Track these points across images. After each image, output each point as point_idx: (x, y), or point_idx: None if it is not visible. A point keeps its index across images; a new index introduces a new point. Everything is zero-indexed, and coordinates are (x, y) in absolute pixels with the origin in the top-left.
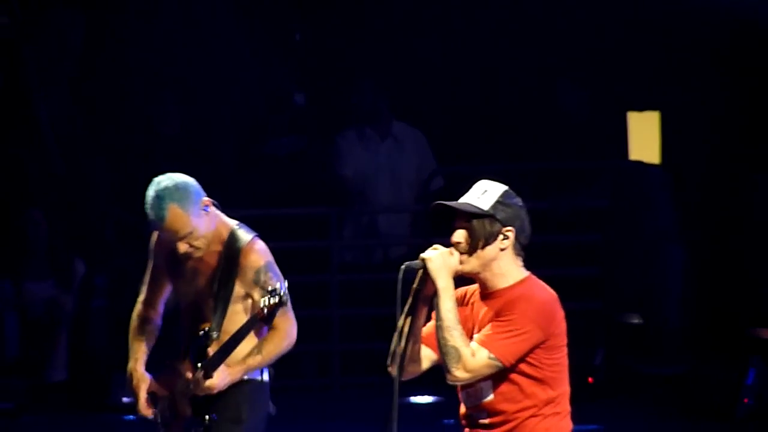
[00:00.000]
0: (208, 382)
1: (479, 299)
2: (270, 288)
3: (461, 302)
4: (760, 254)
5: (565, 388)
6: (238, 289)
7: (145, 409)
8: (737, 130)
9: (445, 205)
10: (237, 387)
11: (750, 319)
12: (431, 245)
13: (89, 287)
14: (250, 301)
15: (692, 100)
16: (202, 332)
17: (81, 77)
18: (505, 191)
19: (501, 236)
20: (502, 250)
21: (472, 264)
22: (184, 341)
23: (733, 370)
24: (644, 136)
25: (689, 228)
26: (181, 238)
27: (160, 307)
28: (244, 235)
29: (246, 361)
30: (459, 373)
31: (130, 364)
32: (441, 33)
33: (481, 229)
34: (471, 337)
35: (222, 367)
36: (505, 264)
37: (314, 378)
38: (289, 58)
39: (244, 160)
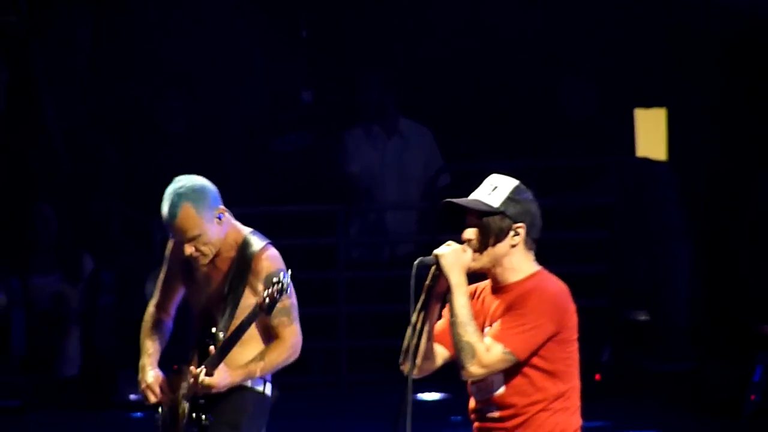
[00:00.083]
0: (208, 380)
1: (490, 293)
2: (274, 280)
3: (472, 297)
4: (767, 251)
5: (575, 383)
6: (248, 295)
7: (153, 397)
8: (744, 127)
9: (456, 202)
10: (237, 393)
11: (757, 316)
12: (438, 242)
13: (96, 284)
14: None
15: (699, 97)
16: (209, 335)
17: (89, 74)
18: (516, 186)
19: (512, 233)
20: (513, 246)
21: (483, 261)
22: (193, 346)
23: (740, 367)
24: (651, 133)
25: (696, 225)
26: (189, 240)
27: (172, 311)
28: (257, 242)
29: (248, 366)
30: (474, 369)
31: (142, 360)
32: (448, 30)
33: (491, 226)
34: (482, 332)
35: (222, 367)
36: (516, 259)
37: (321, 375)
38: (296, 55)
39: (251, 158)
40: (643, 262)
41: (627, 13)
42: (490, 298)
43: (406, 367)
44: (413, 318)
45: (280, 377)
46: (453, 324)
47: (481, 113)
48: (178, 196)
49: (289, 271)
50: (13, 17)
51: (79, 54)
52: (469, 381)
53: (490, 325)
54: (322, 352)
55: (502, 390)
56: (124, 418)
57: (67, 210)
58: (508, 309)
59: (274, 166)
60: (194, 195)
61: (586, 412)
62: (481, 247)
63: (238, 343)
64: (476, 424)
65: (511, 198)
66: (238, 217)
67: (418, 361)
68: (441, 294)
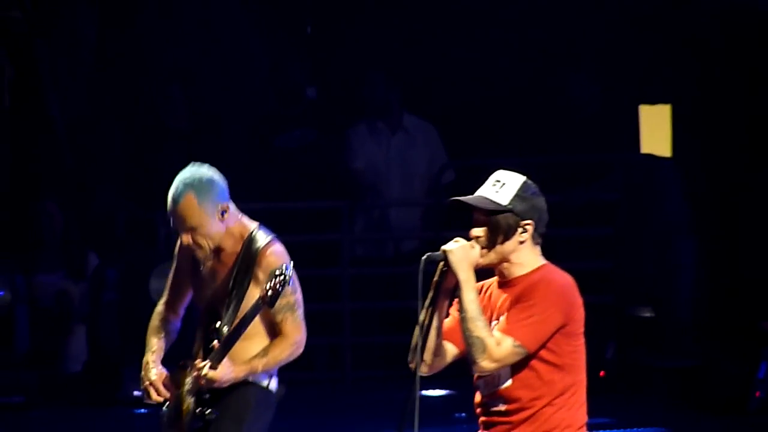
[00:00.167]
0: (211, 374)
1: (497, 288)
2: (277, 272)
3: (478, 293)
4: None
5: (582, 378)
6: (254, 290)
7: (155, 395)
8: (748, 123)
9: (464, 201)
10: (242, 388)
11: (761, 312)
12: (443, 238)
13: (100, 281)
14: None
15: (704, 94)
16: (213, 330)
17: (93, 70)
18: (524, 183)
19: (520, 229)
20: (521, 242)
21: (491, 257)
22: (197, 341)
23: (744, 364)
24: (656, 130)
25: (700, 221)
26: (187, 229)
27: (181, 311)
28: (263, 237)
29: (251, 362)
30: (485, 364)
31: (146, 357)
32: (452, 26)
33: (500, 224)
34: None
35: (226, 361)
36: (524, 254)
37: (325, 372)
38: (301, 52)
39: (255, 154)
40: (647, 259)
41: (631, 9)
42: (497, 293)
43: (419, 367)
44: (422, 315)
45: (284, 373)
46: (463, 319)
47: (486, 109)
48: (184, 185)
49: (292, 263)
50: (17, 13)
51: (84, 50)
52: (476, 375)
53: (497, 320)
54: (326, 348)
55: (508, 383)
56: (128, 415)
57: (71, 206)
58: (516, 302)
59: (278, 162)
60: (200, 186)
61: (590, 408)
62: (489, 245)
63: (243, 338)
64: (482, 418)
65: (519, 195)
66: None
67: (429, 358)
68: (449, 290)
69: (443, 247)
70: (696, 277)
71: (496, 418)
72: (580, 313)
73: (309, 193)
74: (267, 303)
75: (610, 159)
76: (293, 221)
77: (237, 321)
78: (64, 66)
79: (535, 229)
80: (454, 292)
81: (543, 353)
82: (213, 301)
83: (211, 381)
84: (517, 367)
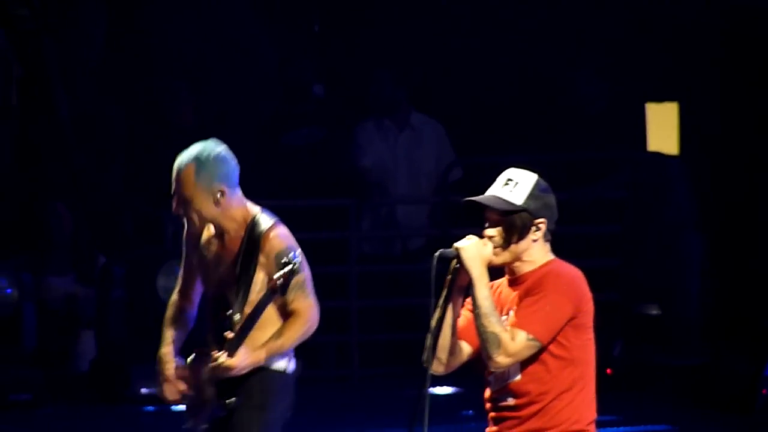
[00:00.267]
0: (228, 362)
1: (507, 286)
2: (284, 261)
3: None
4: None
5: (591, 372)
6: (260, 274)
7: (171, 393)
8: (756, 121)
9: (478, 201)
10: (261, 374)
11: None
12: (450, 236)
13: (108, 278)
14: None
15: (711, 92)
16: (224, 317)
17: (100, 68)
18: (536, 182)
19: (534, 228)
20: (534, 241)
21: (505, 257)
22: (209, 329)
23: (751, 362)
24: (663, 128)
25: (707, 219)
26: (181, 200)
27: (195, 299)
28: (266, 220)
29: (267, 344)
30: (501, 359)
31: (161, 350)
32: (459, 24)
33: (515, 224)
34: None
35: (243, 349)
36: (535, 251)
37: (333, 369)
38: (308, 50)
39: (262, 151)
40: (654, 257)
41: (639, 7)
42: (507, 290)
43: (433, 366)
44: (436, 313)
45: (298, 373)
46: (476, 316)
47: (493, 107)
48: (191, 156)
49: (299, 250)
50: (24, 11)
51: (92, 48)
52: (488, 371)
53: (507, 315)
54: (333, 346)
55: (518, 378)
56: (136, 412)
57: (80, 206)
58: (525, 295)
59: (286, 160)
60: (204, 162)
61: (597, 405)
62: (504, 244)
63: (256, 327)
64: (491, 413)
65: (533, 194)
66: None
67: (444, 357)
68: (462, 288)
69: (456, 245)
70: (703, 275)
71: (505, 413)
72: (589, 306)
73: (316, 190)
74: (278, 292)
75: (617, 157)
76: (301, 219)
77: (248, 309)
78: (72, 64)
79: (547, 227)
80: (467, 289)
81: (552, 347)
82: (220, 287)
83: (229, 369)
84: (526, 362)
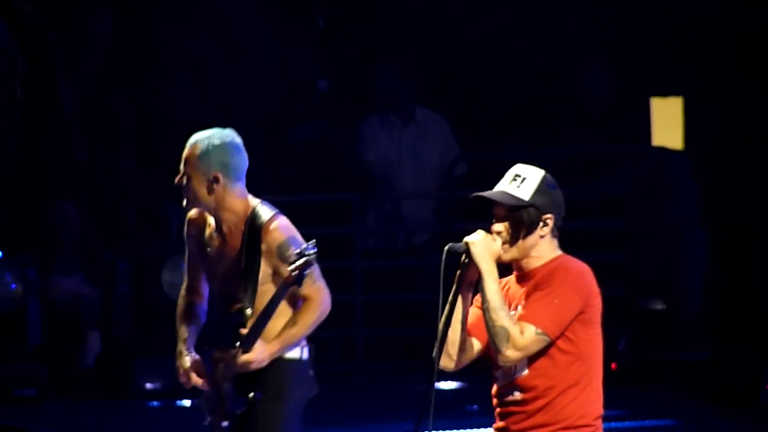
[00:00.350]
0: (246, 357)
1: (515, 283)
2: (297, 251)
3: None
4: None
5: (597, 368)
6: (265, 267)
7: (197, 380)
8: (761, 116)
9: (485, 196)
10: (277, 365)
11: None
12: (454, 231)
13: (112, 273)
14: (278, 277)
15: (715, 86)
16: (234, 312)
17: (105, 63)
18: (543, 177)
19: (541, 224)
20: (541, 237)
21: (513, 253)
22: (218, 325)
23: (756, 356)
24: (667, 122)
25: (712, 214)
26: (182, 172)
27: (204, 291)
28: (265, 212)
29: (282, 334)
30: (510, 353)
31: (178, 347)
32: (464, 18)
33: (523, 219)
34: None
35: (259, 342)
36: (542, 247)
37: (337, 364)
38: (313, 44)
39: (267, 147)
40: (659, 251)
41: (643, 1)
42: (516, 287)
43: (443, 362)
44: (446, 309)
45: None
46: (486, 310)
47: (498, 102)
48: (204, 137)
49: (314, 241)
50: (29, 6)
51: (97, 42)
52: (495, 366)
53: (516, 310)
54: (338, 341)
55: (525, 372)
56: (141, 407)
57: (86, 203)
58: (534, 290)
59: (291, 155)
60: (211, 146)
61: (603, 400)
62: (512, 240)
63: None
64: (498, 409)
65: (540, 189)
66: None
67: (454, 352)
68: (471, 283)
69: (465, 239)
70: (707, 270)
71: (512, 408)
72: (597, 301)
73: (321, 186)
74: (294, 283)
75: (622, 152)
76: (305, 214)
77: (260, 303)
78: (77, 58)
79: (554, 223)
80: (477, 284)
81: (560, 342)
82: (225, 282)
83: (247, 364)
84: (534, 356)
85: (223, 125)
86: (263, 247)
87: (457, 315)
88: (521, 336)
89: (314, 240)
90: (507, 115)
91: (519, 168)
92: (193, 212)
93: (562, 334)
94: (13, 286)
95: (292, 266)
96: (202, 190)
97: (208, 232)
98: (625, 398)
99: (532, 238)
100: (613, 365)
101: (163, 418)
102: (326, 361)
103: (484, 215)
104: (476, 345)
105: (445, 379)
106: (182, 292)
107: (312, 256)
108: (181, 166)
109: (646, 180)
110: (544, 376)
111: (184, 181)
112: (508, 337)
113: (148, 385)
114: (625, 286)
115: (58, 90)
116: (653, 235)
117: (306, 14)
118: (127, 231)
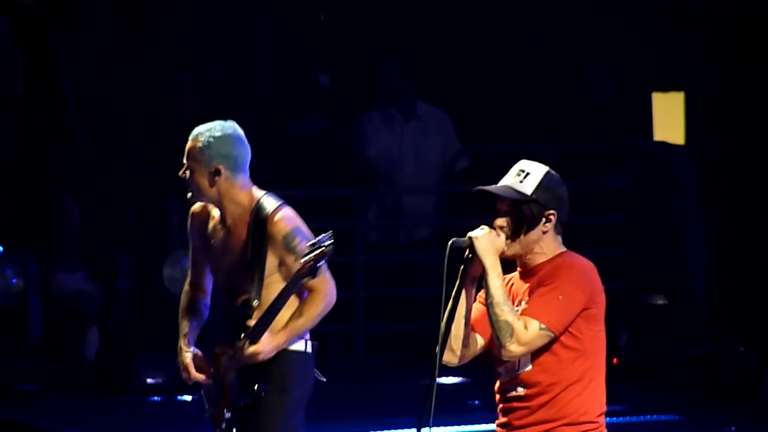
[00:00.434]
0: (254, 348)
1: (519, 278)
2: (311, 242)
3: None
4: None
5: (601, 364)
6: (271, 258)
7: (197, 375)
8: (762, 110)
9: (488, 190)
10: (281, 358)
11: None
12: (455, 226)
13: (113, 268)
14: (284, 268)
15: (717, 81)
16: (241, 304)
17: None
18: (547, 173)
19: (543, 219)
20: (544, 232)
21: (515, 248)
22: (223, 317)
23: (757, 351)
24: (669, 117)
25: (714, 209)
26: (185, 165)
27: (207, 287)
28: (270, 203)
29: (289, 325)
30: (514, 347)
31: (179, 342)
32: (465, 13)
33: (524, 214)
34: None
35: (267, 334)
36: (546, 243)
37: (338, 359)
38: (314, 40)
39: (268, 142)
40: (661, 246)
41: None
42: (519, 282)
43: (446, 357)
44: (449, 305)
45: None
46: (489, 305)
47: (499, 97)
48: (204, 129)
49: (330, 232)
50: (30, 0)
51: (98, 36)
52: (499, 362)
53: (519, 305)
54: (339, 335)
55: (529, 368)
56: (142, 402)
57: (87, 197)
58: (538, 285)
59: (292, 150)
60: (211, 139)
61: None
62: (513, 235)
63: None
64: (500, 405)
65: (543, 185)
66: None
67: (457, 347)
68: (475, 278)
69: (470, 234)
70: (709, 265)
71: (515, 404)
72: (601, 298)
73: (322, 180)
74: (308, 274)
75: (623, 147)
76: (307, 209)
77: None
78: (78, 52)
79: (558, 219)
80: (481, 278)
81: (564, 338)
82: (230, 274)
83: (255, 355)
84: (537, 352)
85: (224, 120)
86: (269, 238)
87: (460, 310)
88: (525, 331)
89: (330, 231)
90: (508, 109)
91: (524, 163)
92: (196, 206)
93: (565, 330)
94: (14, 281)
95: (306, 257)
96: (204, 183)
97: (211, 224)
98: (627, 393)
99: (534, 234)
100: (615, 360)
101: (164, 413)
102: (327, 356)
103: (485, 210)
104: (479, 341)
105: (447, 375)
106: (185, 287)
107: (328, 248)
108: (184, 159)
109: (648, 175)
110: (547, 372)
111: (188, 174)
112: (512, 332)
113: (149, 380)
114: (626, 281)
115: (60, 84)
116: (655, 230)
117: (307, 9)
118: (129, 226)
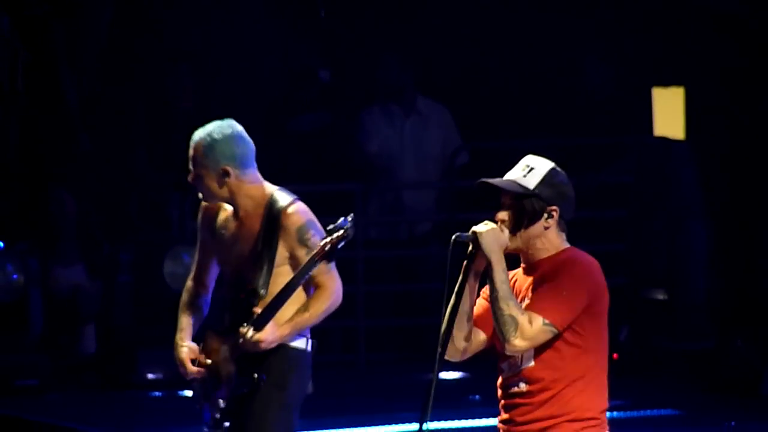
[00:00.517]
0: (257, 336)
1: (522, 275)
2: (330, 227)
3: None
4: None
5: (603, 361)
6: (282, 250)
7: (193, 370)
8: (762, 105)
9: (491, 183)
10: (282, 353)
11: None
12: (456, 221)
13: (113, 264)
14: (294, 260)
15: (717, 76)
16: (248, 293)
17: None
18: (551, 169)
19: (545, 215)
20: (546, 228)
21: (516, 242)
22: (227, 308)
23: (758, 346)
24: (669, 112)
25: (714, 204)
26: (192, 173)
27: (209, 284)
28: (284, 197)
29: (294, 319)
30: (518, 342)
31: (176, 337)
32: (466, 8)
33: (525, 208)
34: None
35: (271, 323)
36: (548, 239)
37: (339, 354)
38: (314, 34)
39: (268, 137)
40: (661, 241)
41: None
42: (523, 278)
43: (448, 352)
44: (452, 300)
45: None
46: (494, 300)
47: (500, 92)
48: (204, 134)
49: (351, 216)
50: None
51: (99, 32)
52: (501, 357)
53: (523, 301)
54: (340, 331)
55: (531, 364)
56: (143, 397)
57: (86, 193)
58: (541, 282)
59: (292, 145)
60: (213, 142)
61: None
62: (514, 229)
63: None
64: (503, 401)
65: (546, 180)
66: None
67: (460, 342)
68: (478, 273)
69: (474, 229)
70: (709, 260)
71: (517, 400)
72: (605, 295)
73: (323, 176)
74: (325, 258)
75: (624, 142)
76: (307, 204)
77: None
78: (79, 48)
79: (561, 216)
80: (485, 273)
81: (567, 334)
82: (239, 266)
83: (257, 343)
84: (540, 348)
85: (225, 116)
86: (282, 230)
87: (463, 305)
88: (529, 326)
89: (351, 214)
90: (509, 104)
91: (530, 158)
92: None
93: (569, 327)
94: (15, 276)
95: (325, 240)
96: (214, 186)
97: (223, 215)
98: (627, 388)
99: (535, 229)
100: (615, 355)
101: (165, 409)
102: (328, 352)
103: (486, 204)
104: (482, 336)
105: (448, 370)
106: (188, 282)
107: (348, 230)
108: (190, 166)
109: (648, 170)
110: (550, 368)
111: (196, 179)
112: (516, 327)
113: (150, 376)
114: (626, 276)
115: (60, 80)
116: (655, 225)
117: (307, 4)
118: (129, 221)
